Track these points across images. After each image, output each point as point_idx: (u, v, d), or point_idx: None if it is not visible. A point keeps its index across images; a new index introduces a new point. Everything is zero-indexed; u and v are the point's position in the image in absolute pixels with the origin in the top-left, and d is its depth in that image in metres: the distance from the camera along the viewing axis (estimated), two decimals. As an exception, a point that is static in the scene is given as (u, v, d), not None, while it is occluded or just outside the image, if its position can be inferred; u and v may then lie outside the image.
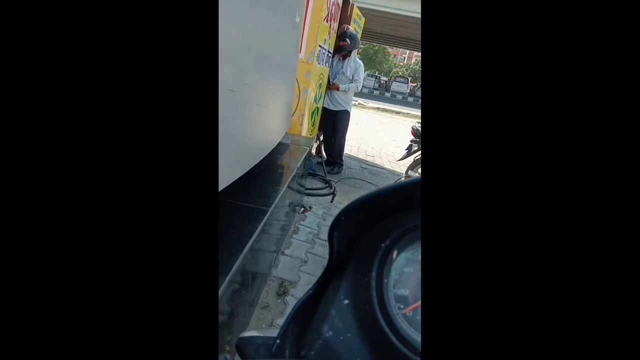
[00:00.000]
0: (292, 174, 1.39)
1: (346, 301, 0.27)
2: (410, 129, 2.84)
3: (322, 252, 1.69)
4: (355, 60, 2.86)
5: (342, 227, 0.28)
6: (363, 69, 2.87)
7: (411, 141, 2.77)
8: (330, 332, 0.26)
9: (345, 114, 2.95)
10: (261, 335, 0.28)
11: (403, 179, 2.83)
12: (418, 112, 11.42)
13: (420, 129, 2.66)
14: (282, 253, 1.60)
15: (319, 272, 1.50)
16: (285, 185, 1.26)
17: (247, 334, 0.28)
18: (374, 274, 0.27)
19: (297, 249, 1.66)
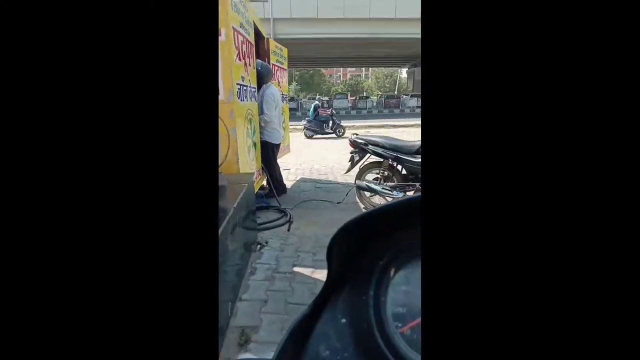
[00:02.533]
0: (227, 217, 1.35)
1: (343, 320, 0.27)
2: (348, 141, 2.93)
3: (283, 286, 1.63)
4: (263, 91, 2.86)
5: (339, 245, 0.28)
6: (272, 97, 2.85)
7: (351, 152, 2.86)
8: (327, 352, 0.25)
9: (265, 144, 2.95)
10: (256, 358, 0.27)
11: (354, 189, 2.88)
12: (360, 123, 11.91)
13: (356, 140, 2.75)
14: (240, 299, 1.52)
15: (281, 309, 1.44)
16: (219, 232, 1.21)
17: (242, 356, 0.27)
18: (371, 292, 0.27)
19: (256, 291, 1.59)
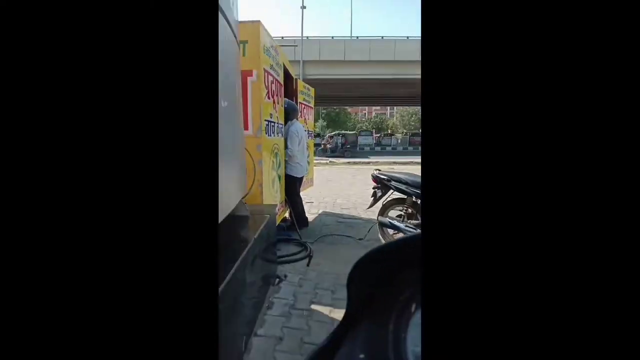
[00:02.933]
0: (248, 247, 1.36)
1: (362, 355, 0.26)
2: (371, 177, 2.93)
3: (300, 323, 1.57)
4: (288, 127, 2.97)
5: (361, 274, 0.27)
6: (296, 133, 2.95)
7: (373, 188, 2.84)
8: None
9: (288, 178, 3.00)
10: None
11: (376, 226, 2.82)
12: (384, 159, 11.92)
13: (378, 175, 2.75)
14: (255, 334, 1.48)
15: (296, 348, 1.38)
16: (238, 262, 1.21)
17: None
18: (391, 327, 0.26)
19: (272, 327, 1.54)
